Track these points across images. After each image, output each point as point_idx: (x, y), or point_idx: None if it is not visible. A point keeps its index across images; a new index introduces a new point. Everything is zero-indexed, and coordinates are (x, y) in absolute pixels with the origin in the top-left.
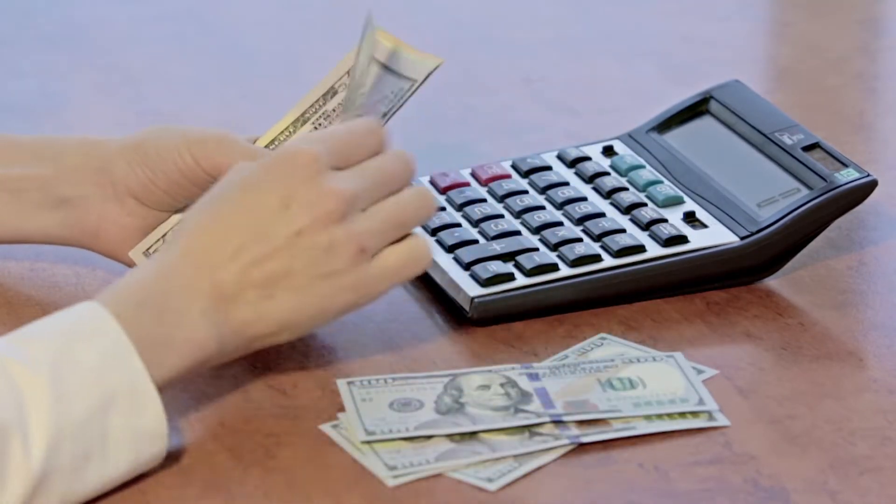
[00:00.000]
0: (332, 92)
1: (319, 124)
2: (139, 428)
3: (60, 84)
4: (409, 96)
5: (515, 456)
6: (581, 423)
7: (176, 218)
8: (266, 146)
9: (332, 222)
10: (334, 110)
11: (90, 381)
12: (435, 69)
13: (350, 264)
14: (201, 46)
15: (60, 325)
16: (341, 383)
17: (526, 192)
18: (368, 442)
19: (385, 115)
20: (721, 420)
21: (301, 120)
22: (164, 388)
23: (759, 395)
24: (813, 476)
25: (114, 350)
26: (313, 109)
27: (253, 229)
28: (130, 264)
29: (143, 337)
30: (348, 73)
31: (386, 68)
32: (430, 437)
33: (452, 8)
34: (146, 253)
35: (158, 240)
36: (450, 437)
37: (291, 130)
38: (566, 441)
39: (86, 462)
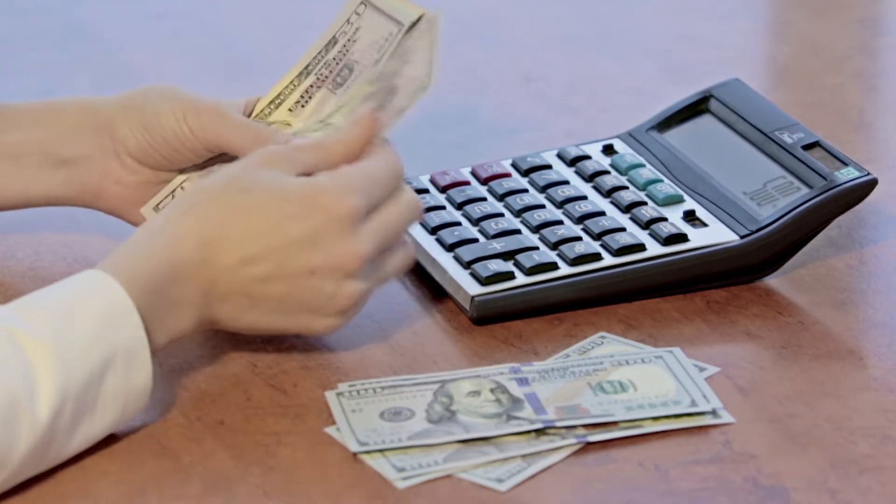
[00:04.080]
0: (332, 42)
1: (321, 74)
2: (128, 386)
3: (60, 84)
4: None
5: (523, 456)
6: (588, 425)
7: (183, 176)
8: (269, 103)
9: (344, 277)
10: (334, 59)
11: (93, 342)
12: (419, 19)
13: (342, 311)
14: (201, 46)
15: (65, 292)
16: (330, 395)
17: (526, 190)
18: (363, 452)
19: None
20: (726, 417)
21: (304, 73)
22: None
23: (759, 393)
24: (813, 475)
25: (115, 308)
26: (316, 61)
27: (271, 247)
28: (133, 221)
29: (144, 314)
30: (348, 20)
31: (375, 9)
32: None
33: (452, 8)
34: (157, 209)
35: (168, 195)
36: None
37: (295, 84)
38: (573, 440)
39: (80, 422)
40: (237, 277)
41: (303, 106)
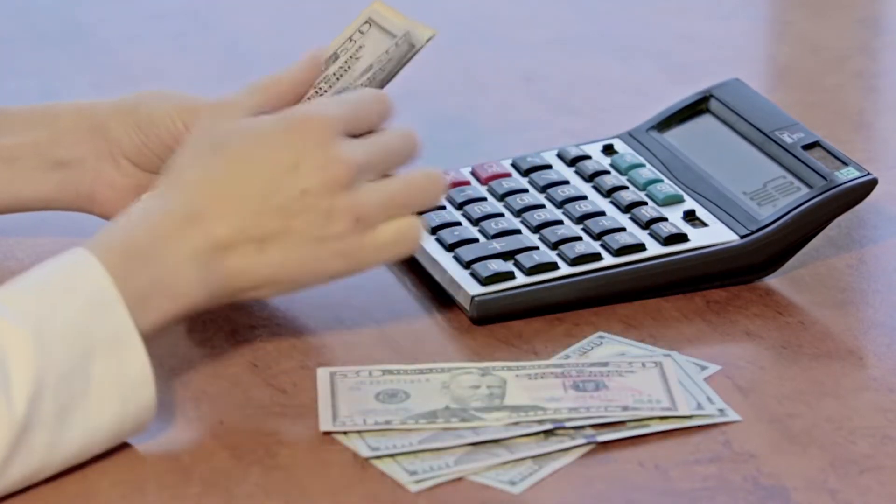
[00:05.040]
0: (334, 57)
1: (320, 88)
2: (123, 376)
3: (60, 84)
4: (400, 63)
5: (534, 457)
6: (597, 424)
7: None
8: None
9: (336, 188)
10: (335, 74)
11: (73, 330)
12: (429, 40)
13: (345, 232)
14: (201, 46)
15: (47, 275)
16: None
17: (526, 190)
18: (374, 458)
19: (382, 81)
20: (732, 416)
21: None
22: (151, 335)
23: (759, 393)
24: (813, 475)
25: (98, 298)
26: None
27: (259, 184)
28: None
29: (130, 283)
30: (350, 38)
31: (380, 28)
32: (439, 447)
33: (452, 7)
34: None
35: None
36: (466, 443)
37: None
38: (583, 441)
39: (70, 412)
40: (234, 222)
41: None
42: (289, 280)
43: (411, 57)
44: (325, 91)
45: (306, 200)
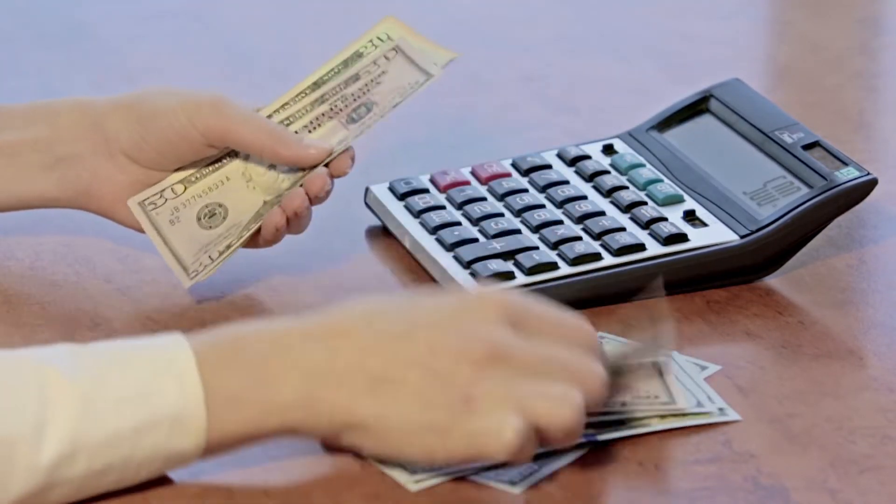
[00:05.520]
0: (354, 77)
1: (335, 106)
2: (173, 451)
3: (60, 83)
4: (422, 88)
5: (534, 457)
6: (596, 423)
7: (176, 176)
8: (269, 115)
9: (466, 363)
10: (353, 95)
11: (128, 400)
12: (449, 62)
13: (454, 408)
14: (201, 46)
15: (131, 343)
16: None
17: (526, 190)
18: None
19: (395, 105)
20: (732, 416)
21: (319, 99)
22: (216, 447)
23: (759, 393)
24: (813, 475)
25: (170, 372)
26: (333, 91)
27: (396, 330)
28: (124, 222)
29: (218, 383)
30: (375, 62)
31: (406, 58)
32: None
33: (452, 7)
34: (142, 205)
35: (156, 194)
36: None
37: (306, 93)
38: (583, 440)
39: (103, 476)
40: (356, 359)
41: (310, 131)
42: (384, 436)
43: (434, 79)
44: (342, 110)
45: (431, 361)
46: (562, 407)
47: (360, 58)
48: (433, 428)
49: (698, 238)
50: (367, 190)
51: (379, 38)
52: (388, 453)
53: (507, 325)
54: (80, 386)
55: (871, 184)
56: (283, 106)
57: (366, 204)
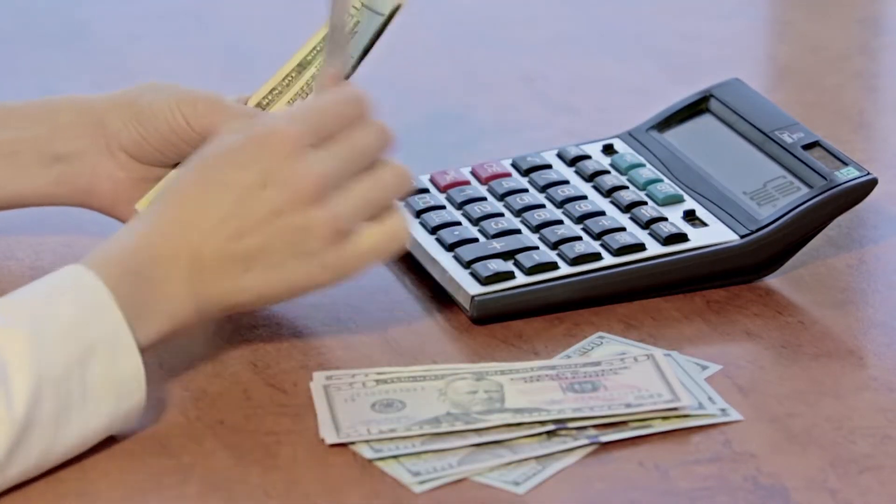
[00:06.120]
0: (324, 39)
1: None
2: (118, 377)
3: (60, 83)
4: (376, 36)
5: (537, 458)
6: (600, 425)
7: (175, 173)
8: (267, 94)
9: (308, 204)
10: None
11: (69, 333)
12: (396, 9)
13: (326, 245)
14: (201, 46)
15: (43, 285)
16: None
17: (526, 190)
18: (377, 459)
19: (362, 54)
20: (734, 416)
21: (302, 65)
22: (145, 350)
23: (758, 393)
24: (813, 474)
25: (93, 303)
26: (313, 53)
27: (233, 204)
28: (125, 219)
29: (124, 303)
30: (349, 14)
31: (368, 9)
32: (444, 448)
33: (452, 7)
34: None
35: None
36: (470, 444)
37: (293, 76)
38: (585, 441)
39: (67, 413)
40: (215, 243)
41: (303, 98)
42: (276, 296)
43: (382, 28)
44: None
45: (280, 220)
46: (398, 180)
47: None
48: (323, 268)
49: (698, 238)
50: None
51: (354, 7)
52: (289, 300)
53: (308, 148)
54: (21, 331)
55: (871, 184)
56: (271, 91)
57: None
